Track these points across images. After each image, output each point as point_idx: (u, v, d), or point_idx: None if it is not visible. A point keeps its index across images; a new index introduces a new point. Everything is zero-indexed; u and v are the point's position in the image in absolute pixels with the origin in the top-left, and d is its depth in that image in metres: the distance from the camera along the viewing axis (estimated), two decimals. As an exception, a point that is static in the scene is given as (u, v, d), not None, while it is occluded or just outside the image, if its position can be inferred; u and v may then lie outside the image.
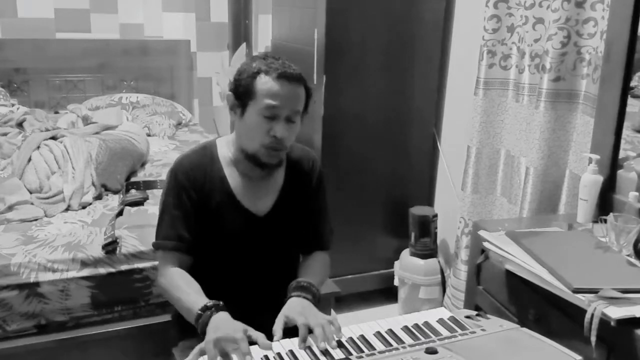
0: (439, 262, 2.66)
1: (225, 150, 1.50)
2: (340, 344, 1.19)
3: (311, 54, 2.62)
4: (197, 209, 1.45)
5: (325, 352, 1.17)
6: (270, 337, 1.23)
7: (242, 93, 1.41)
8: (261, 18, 3.80)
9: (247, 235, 1.49)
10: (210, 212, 1.46)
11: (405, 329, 1.24)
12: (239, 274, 1.50)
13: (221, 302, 1.32)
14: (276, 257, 1.55)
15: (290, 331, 1.25)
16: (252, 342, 1.20)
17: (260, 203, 1.50)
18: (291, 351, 1.17)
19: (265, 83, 1.37)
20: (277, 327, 1.27)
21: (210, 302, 1.31)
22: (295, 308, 1.32)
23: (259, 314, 1.32)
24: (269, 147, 1.40)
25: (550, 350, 1.15)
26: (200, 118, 4.06)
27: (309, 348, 1.18)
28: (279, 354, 1.17)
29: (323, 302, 1.43)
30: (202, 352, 1.20)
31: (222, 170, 1.48)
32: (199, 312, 1.30)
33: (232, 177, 1.48)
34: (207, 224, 1.46)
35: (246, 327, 1.23)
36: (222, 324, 1.24)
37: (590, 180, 1.75)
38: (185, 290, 1.39)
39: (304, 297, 1.37)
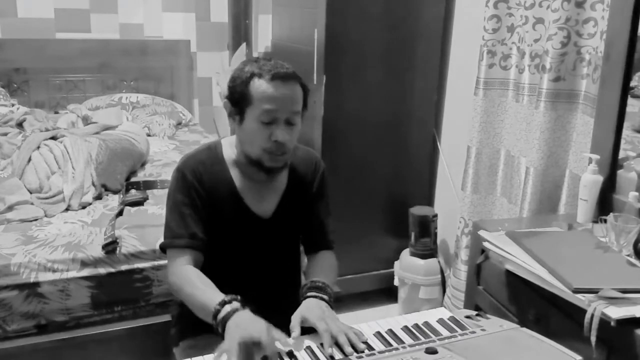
0: (439, 262, 2.65)
1: (230, 152, 1.49)
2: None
3: (311, 54, 2.62)
4: (205, 208, 1.44)
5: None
6: None
7: (238, 100, 1.38)
8: (261, 18, 3.80)
9: (251, 237, 1.48)
10: (216, 211, 1.45)
11: (405, 329, 1.24)
12: (243, 275, 1.50)
13: (239, 296, 1.27)
14: (280, 258, 1.55)
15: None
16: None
17: (264, 205, 1.49)
18: (291, 351, 1.17)
19: (259, 87, 1.34)
20: (295, 325, 1.25)
21: (227, 297, 1.27)
22: (315, 311, 1.28)
23: (263, 314, 1.31)
24: (272, 152, 1.38)
25: (550, 350, 1.15)
26: (200, 118, 4.06)
27: (309, 348, 1.18)
28: (278, 354, 1.16)
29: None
30: (224, 351, 1.14)
31: (228, 170, 1.47)
32: (217, 307, 1.25)
33: (238, 178, 1.47)
34: (212, 224, 1.45)
35: (269, 325, 1.19)
36: (245, 323, 1.19)
37: (590, 180, 1.75)
38: (199, 286, 1.34)
39: (321, 298, 1.34)
